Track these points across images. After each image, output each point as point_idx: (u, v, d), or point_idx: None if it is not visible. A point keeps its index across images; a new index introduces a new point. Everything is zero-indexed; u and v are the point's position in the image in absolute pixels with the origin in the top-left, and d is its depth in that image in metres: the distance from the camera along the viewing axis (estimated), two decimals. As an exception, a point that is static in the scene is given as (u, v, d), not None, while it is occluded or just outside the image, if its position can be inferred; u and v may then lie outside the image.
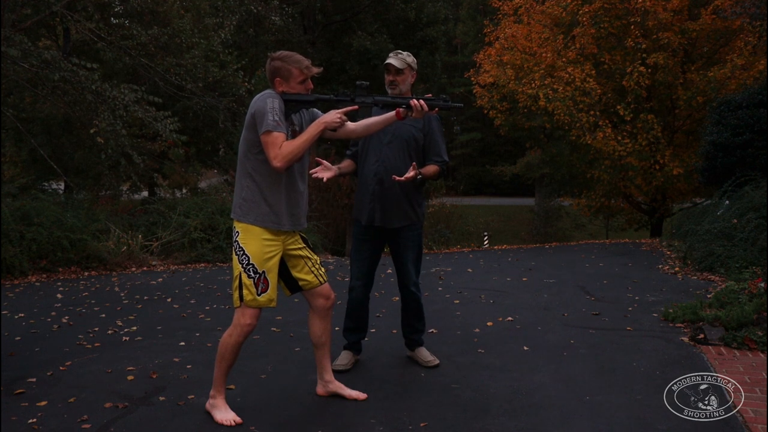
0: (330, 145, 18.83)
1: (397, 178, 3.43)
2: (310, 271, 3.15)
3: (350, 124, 3.13)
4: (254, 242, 2.96)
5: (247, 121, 2.95)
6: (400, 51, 3.67)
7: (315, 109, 3.18)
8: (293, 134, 3.01)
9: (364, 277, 3.69)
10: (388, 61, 3.57)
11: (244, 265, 2.96)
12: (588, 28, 12.88)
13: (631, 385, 3.40)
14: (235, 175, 3.16)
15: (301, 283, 3.15)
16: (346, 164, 3.75)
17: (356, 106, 3.07)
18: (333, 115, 2.98)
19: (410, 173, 3.43)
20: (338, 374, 3.53)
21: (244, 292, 2.97)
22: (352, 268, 3.73)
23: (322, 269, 3.22)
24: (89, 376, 3.70)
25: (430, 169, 3.61)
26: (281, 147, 2.86)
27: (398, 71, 3.55)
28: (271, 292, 3.01)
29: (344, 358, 3.77)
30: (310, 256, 3.17)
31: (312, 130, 2.95)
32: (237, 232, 3.00)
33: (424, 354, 3.84)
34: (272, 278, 3.00)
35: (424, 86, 19.95)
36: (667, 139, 13.09)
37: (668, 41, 12.09)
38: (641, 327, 4.61)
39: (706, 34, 12.59)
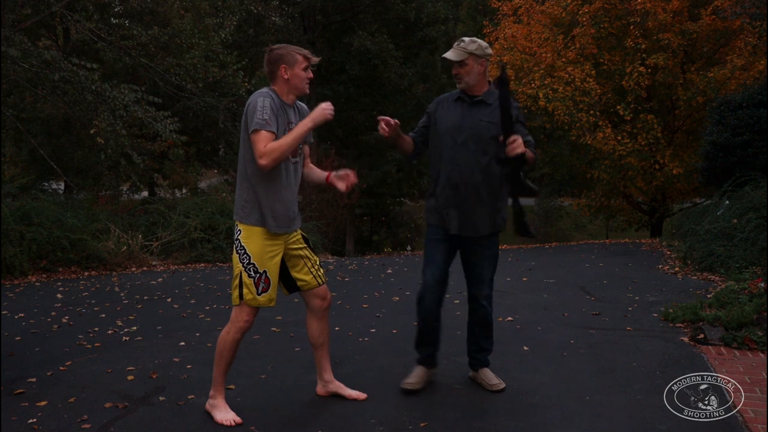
0: (330, 144, 18.85)
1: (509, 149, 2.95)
2: (309, 271, 3.15)
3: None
4: (256, 242, 2.96)
5: (243, 122, 2.96)
6: (463, 39, 3.20)
7: (305, 106, 3.17)
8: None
9: (436, 284, 3.24)
10: (444, 55, 3.21)
11: (245, 265, 2.96)
12: (588, 29, 12.89)
13: (631, 385, 3.39)
14: (235, 175, 3.15)
15: (299, 283, 3.15)
16: (406, 140, 3.31)
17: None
18: (321, 112, 2.96)
19: (514, 145, 2.94)
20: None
21: (245, 291, 2.97)
22: (424, 274, 3.28)
23: (321, 270, 3.22)
24: (89, 376, 3.70)
25: (532, 156, 3.09)
26: (266, 145, 2.84)
27: (461, 64, 3.13)
28: (272, 292, 3.01)
29: (415, 376, 3.38)
30: (310, 256, 3.17)
31: (299, 130, 2.93)
32: (239, 230, 3.00)
33: (489, 376, 3.39)
34: (273, 278, 3.00)
35: (424, 86, 19.95)
36: (667, 139, 13.10)
37: (668, 42, 12.10)
38: (641, 327, 4.61)
39: (705, 34, 12.59)
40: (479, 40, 3.16)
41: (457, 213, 3.17)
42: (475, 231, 3.19)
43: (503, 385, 3.34)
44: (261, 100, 2.89)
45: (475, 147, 3.11)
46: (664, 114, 13.55)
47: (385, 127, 3.09)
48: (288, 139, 2.89)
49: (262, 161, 2.84)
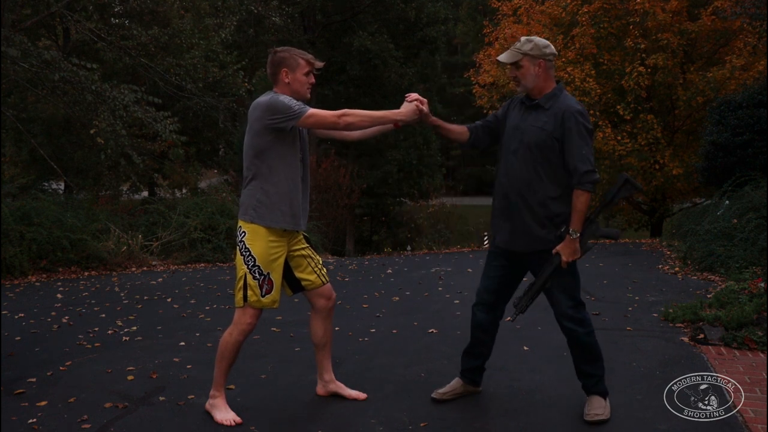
0: (330, 144, 18.84)
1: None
2: (313, 270, 3.15)
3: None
4: (261, 243, 2.95)
5: (257, 124, 2.90)
6: (519, 38, 2.98)
7: None
8: (301, 139, 3.02)
9: (486, 295, 3.11)
10: (497, 58, 3.01)
11: (249, 267, 2.96)
12: (587, 29, 12.89)
13: (631, 385, 3.39)
14: (235, 175, 3.13)
15: (304, 283, 3.15)
16: (457, 128, 3.18)
17: None
18: (413, 111, 2.99)
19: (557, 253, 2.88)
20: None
21: (249, 293, 2.97)
22: (479, 285, 3.20)
23: (324, 269, 3.22)
24: (89, 376, 3.70)
25: (576, 204, 2.83)
26: (343, 111, 2.90)
27: (516, 66, 2.93)
28: (275, 294, 3.01)
29: (447, 386, 3.27)
30: (312, 255, 3.17)
31: (383, 113, 3.00)
32: (244, 232, 2.98)
33: (592, 404, 2.98)
34: (276, 279, 3.00)
35: (424, 86, 19.94)
36: (667, 139, 13.09)
37: (667, 42, 12.10)
38: (641, 327, 4.61)
39: (705, 34, 12.60)
40: (536, 39, 2.92)
41: (508, 225, 2.97)
42: (524, 246, 2.95)
43: (597, 418, 2.91)
44: (281, 97, 2.90)
45: (525, 154, 2.89)
46: (664, 114, 13.54)
47: (421, 105, 2.99)
48: (371, 113, 2.97)
49: (347, 118, 2.88)
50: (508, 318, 3.19)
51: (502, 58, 2.95)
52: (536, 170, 2.88)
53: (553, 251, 2.89)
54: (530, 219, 2.91)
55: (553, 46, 2.96)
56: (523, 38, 2.95)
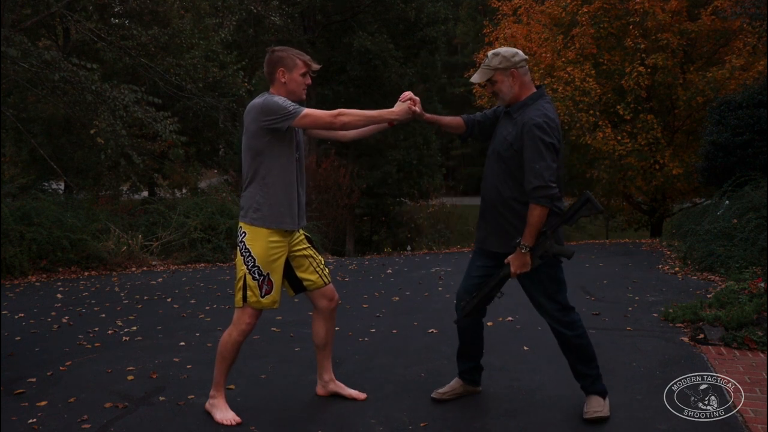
0: (330, 144, 18.85)
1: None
2: (315, 270, 3.14)
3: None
4: (261, 244, 2.95)
5: (254, 125, 2.90)
6: (487, 54, 2.98)
7: None
8: (297, 138, 3.02)
9: (466, 296, 3.10)
10: (471, 79, 3.07)
11: (249, 267, 2.96)
12: (587, 28, 12.89)
13: (631, 385, 3.39)
14: (235, 175, 3.13)
15: (305, 283, 3.15)
16: (453, 122, 3.20)
17: None
18: (407, 111, 2.99)
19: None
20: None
21: (248, 293, 2.96)
22: (459, 285, 3.21)
23: (327, 270, 3.21)
24: (89, 376, 3.71)
25: (528, 217, 2.80)
26: (338, 111, 2.90)
27: (491, 82, 2.94)
28: (275, 294, 3.00)
29: (447, 386, 3.27)
30: (314, 255, 3.17)
31: (378, 112, 2.99)
32: (244, 233, 2.98)
33: (590, 403, 2.99)
34: (276, 280, 3.00)
35: (424, 86, 19.95)
36: (667, 139, 13.10)
37: (667, 42, 12.11)
38: (641, 327, 4.61)
39: (705, 34, 12.61)
40: (503, 50, 2.92)
41: (484, 225, 3.04)
42: (496, 246, 2.98)
43: (596, 415, 2.92)
44: (275, 98, 2.90)
45: (494, 159, 2.96)
46: (664, 114, 13.55)
47: (413, 105, 3.00)
48: (366, 112, 2.96)
49: (343, 118, 2.88)
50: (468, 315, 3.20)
51: (475, 78, 2.98)
52: (503, 175, 2.93)
53: (505, 261, 2.91)
54: (502, 220, 2.96)
55: (521, 53, 2.96)
56: (490, 53, 2.95)
